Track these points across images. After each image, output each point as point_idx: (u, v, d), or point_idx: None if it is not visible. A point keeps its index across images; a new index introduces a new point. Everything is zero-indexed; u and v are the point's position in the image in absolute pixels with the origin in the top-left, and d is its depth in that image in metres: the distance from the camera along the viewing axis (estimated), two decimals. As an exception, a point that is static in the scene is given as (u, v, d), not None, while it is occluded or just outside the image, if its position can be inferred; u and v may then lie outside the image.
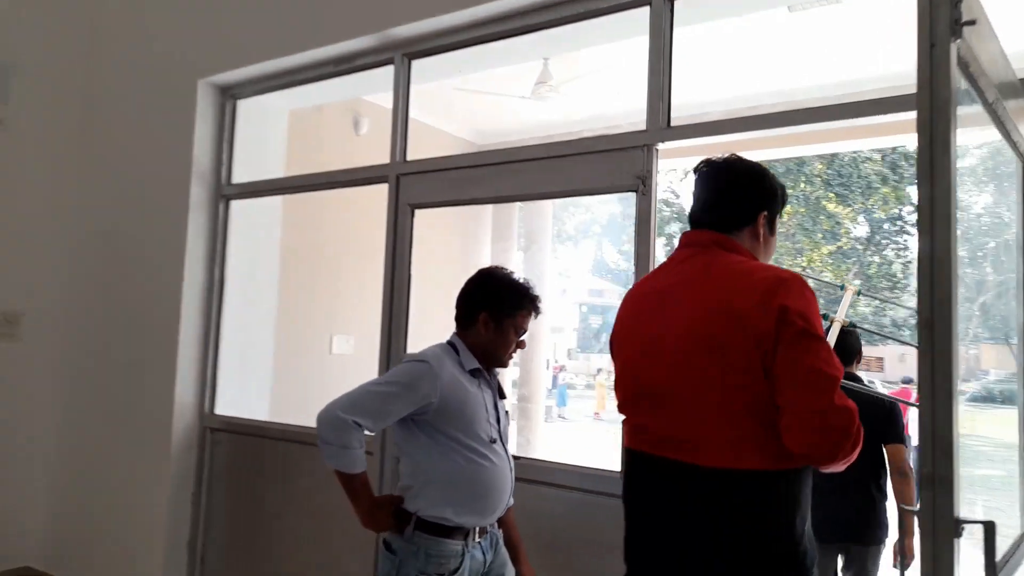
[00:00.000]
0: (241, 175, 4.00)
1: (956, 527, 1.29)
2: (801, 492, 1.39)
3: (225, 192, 3.97)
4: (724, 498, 1.35)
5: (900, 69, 3.84)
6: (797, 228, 22.70)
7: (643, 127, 2.68)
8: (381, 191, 3.37)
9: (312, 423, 1.97)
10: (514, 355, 2.19)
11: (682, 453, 1.39)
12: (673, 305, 1.47)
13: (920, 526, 1.33)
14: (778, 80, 4.87)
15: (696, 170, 1.67)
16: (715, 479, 1.35)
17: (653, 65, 2.67)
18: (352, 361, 4.74)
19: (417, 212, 3.27)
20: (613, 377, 1.65)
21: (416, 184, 3.25)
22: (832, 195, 22.35)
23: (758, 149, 5.56)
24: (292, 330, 4.65)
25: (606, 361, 31.64)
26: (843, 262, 26.35)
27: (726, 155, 1.66)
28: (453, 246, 6.04)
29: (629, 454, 1.56)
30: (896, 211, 29.29)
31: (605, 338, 28.68)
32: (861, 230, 31.75)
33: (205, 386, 3.89)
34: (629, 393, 1.55)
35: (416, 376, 1.99)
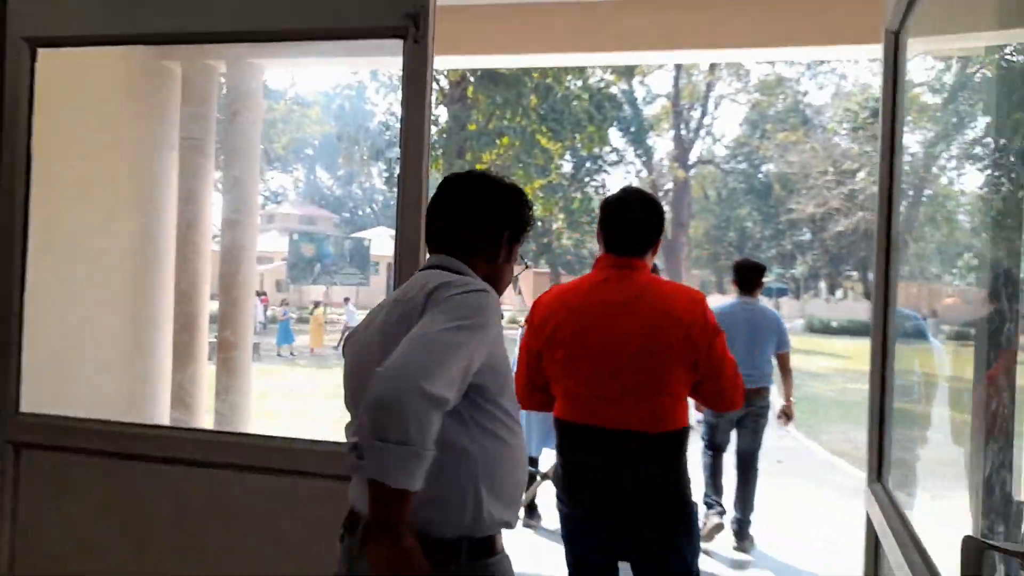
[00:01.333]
0: None
1: None
2: None
3: None
4: (669, 450, 1.90)
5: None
6: (513, 161, 23.22)
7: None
8: None
9: None
10: None
11: (637, 423, 1.86)
12: (629, 314, 1.89)
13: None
14: None
15: (616, 200, 2.04)
16: (668, 439, 1.88)
17: None
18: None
19: (43, 57, 2.03)
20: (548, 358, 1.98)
21: (39, 4, 1.99)
22: (546, 129, 23.15)
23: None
24: None
25: (322, 294, 30.16)
26: (552, 196, 27.88)
27: (636, 188, 2.16)
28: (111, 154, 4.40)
29: (575, 427, 1.94)
30: (597, 150, 31.73)
31: (319, 268, 26.72)
32: (567, 166, 33.96)
33: None
34: (587, 375, 1.90)
35: (490, 310, 1.27)
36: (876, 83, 29.48)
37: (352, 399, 1.37)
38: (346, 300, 18.04)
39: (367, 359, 1.29)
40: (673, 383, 1.86)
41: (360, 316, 17.63)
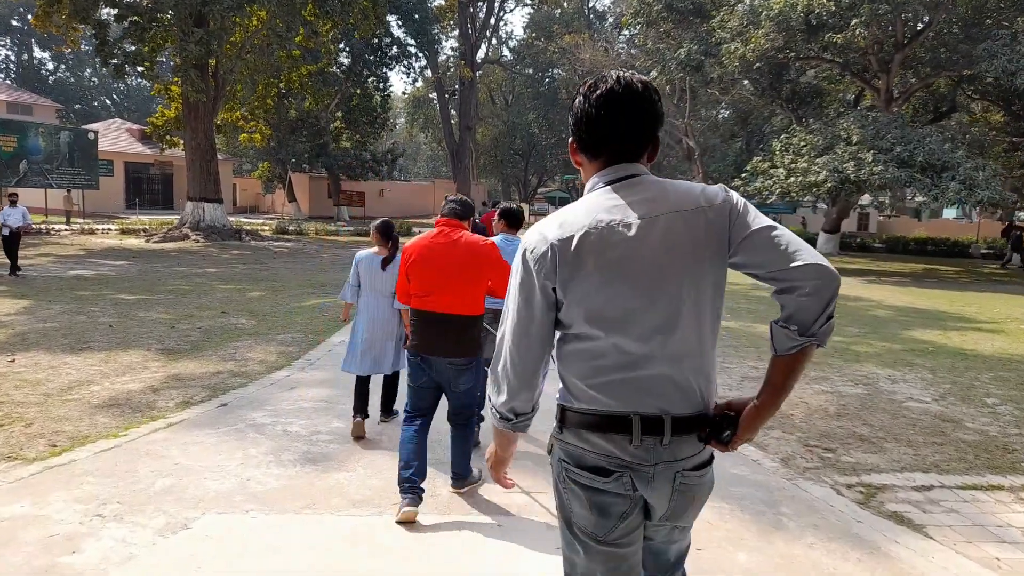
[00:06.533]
0: None
1: None
2: None
3: None
4: (470, 325, 3.79)
5: None
6: (272, 37, 19.48)
7: None
8: None
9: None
10: None
11: (454, 309, 3.73)
12: (455, 249, 3.75)
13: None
14: None
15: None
16: (468, 319, 3.78)
17: None
18: None
19: None
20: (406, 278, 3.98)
21: None
22: (310, 2, 19.47)
23: None
24: None
25: (65, 199, 24.07)
26: (326, 89, 24.32)
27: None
28: None
29: (423, 313, 3.80)
30: (377, 40, 28.30)
31: (25, 165, 21.18)
32: (344, 59, 30.22)
33: None
34: (427, 287, 3.77)
35: None
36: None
37: (646, 299, 1.56)
38: (12, 198, 13.17)
39: (666, 263, 1.55)
40: (479, 289, 3.79)
41: (20, 217, 12.83)
